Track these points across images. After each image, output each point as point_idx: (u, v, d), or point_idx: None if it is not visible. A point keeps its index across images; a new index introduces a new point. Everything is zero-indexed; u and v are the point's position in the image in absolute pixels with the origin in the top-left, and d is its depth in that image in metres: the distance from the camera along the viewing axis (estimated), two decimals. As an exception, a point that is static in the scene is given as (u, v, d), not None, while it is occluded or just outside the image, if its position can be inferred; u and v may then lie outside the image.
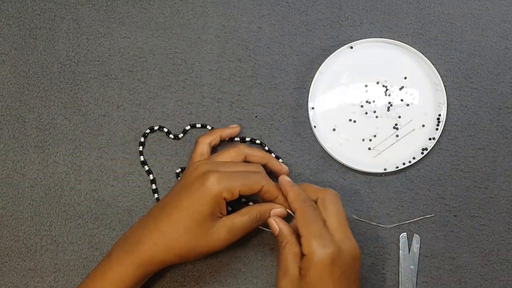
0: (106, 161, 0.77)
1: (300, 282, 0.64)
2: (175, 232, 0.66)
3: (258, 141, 0.78)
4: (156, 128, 0.78)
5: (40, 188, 0.77)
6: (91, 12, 0.81)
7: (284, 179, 0.70)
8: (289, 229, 0.68)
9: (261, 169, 0.71)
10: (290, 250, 0.66)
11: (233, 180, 0.67)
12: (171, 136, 0.77)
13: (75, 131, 0.78)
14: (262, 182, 0.69)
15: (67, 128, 0.78)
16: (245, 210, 0.69)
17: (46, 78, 0.79)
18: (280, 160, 0.77)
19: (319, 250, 0.63)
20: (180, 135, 0.78)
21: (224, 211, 0.68)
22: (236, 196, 0.67)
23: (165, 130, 0.78)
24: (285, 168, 0.74)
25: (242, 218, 0.68)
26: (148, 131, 0.77)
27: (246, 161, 0.73)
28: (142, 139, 0.78)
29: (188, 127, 0.78)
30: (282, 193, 0.69)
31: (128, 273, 0.66)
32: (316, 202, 0.68)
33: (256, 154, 0.73)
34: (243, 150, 0.72)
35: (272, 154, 0.77)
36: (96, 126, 0.78)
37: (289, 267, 0.65)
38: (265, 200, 0.71)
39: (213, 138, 0.74)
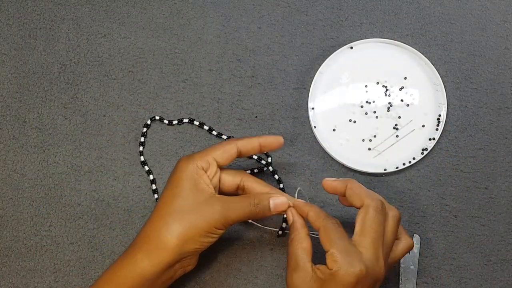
0: (106, 161, 0.77)
1: (315, 283, 0.62)
2: (165, 221, 0.65)
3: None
4: (157, 118, 0.78)
5: (40, 188, 0.77)
6: (91, 12, 0.81)
7: (299, 201, 0.68)
8: (302, 222, 0.66)
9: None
10: (299, 245, 0.64)
11: (205, 151, 0.67)
12: (165, 122, 0.78)
13: (75, 131, 0.78)
14: (235, 141, 0.68)
15: (67, 128, 0.78)
16: (242, 195, 0.68)
17: (46, 78, 0.79)
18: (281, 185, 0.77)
19: (345, 268, 0.60)
20: (175, 122, 0.78)
21: (209, 182, 0.67)
22: (213, 165, 0.67)
23: (165, 121, 0.78)
24: (279, 138, 0.71)
25: (238, 199, 0.66)
26: (149, 122, 0.78)
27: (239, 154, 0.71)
28: (142, 139, 0.78)
29: (186, 120, 0.78)
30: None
31: (128, 277, 0.64)
32: (359, 208, 0.65)
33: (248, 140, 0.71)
34: (233, 142, 0.70)
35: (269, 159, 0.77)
36: (96, 126, 0.78)
37: (300, 262, 0.63)
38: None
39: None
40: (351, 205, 0.67)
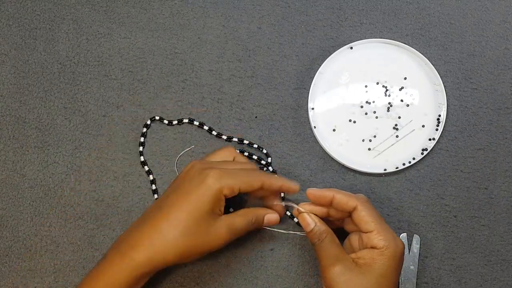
0: (106, 162, 0.77)
1: (360, 268, 0.65)
2: (174, 231, 0.65)
3: (255, 145, 0.78)
4: (157, 118, 0.78)
5: (40, 188, 0.77)
6: (91, 12, 0.81)
7: (315, 189, 0.70)
8: (324, 223, 0.69)
9: (256, 167, 0.72)
10: (333, 241, 0.68)
11: (233, 177, 0.67)
12: (165, 122, 0.78)
13: (75, 131, 0.78)
14: (262, 178, 0.69)
15: (67, 128, 0.78)
16: (242, 211, 0.70)
17: (46, 78, 0.79)
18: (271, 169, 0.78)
19: (393, 244, 0.66)
20: (175, 122, 0.78)
21: (223, 209, 0.68)
22: (235, 193, 0.67)
23: (165, 121, 0.78)
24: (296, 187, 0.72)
25: (241, 219, 0.69)
26: (149, 122, 0.78)
27: None
28: (142, 139, 0.78)
29: (186, 120, 0.78)
30: (281, 189, 0.70)
31: (123, 276, 0.65)
32: (350, 211, 0.69)
33: (244, 160, 0.73)
34: (233, 151, 0.73)
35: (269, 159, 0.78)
36: (96, 126, 0.78)
37: (339, 256, 0.67)
38: (261, 198, 0.73)
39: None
40: (339, 217, 0.71)
